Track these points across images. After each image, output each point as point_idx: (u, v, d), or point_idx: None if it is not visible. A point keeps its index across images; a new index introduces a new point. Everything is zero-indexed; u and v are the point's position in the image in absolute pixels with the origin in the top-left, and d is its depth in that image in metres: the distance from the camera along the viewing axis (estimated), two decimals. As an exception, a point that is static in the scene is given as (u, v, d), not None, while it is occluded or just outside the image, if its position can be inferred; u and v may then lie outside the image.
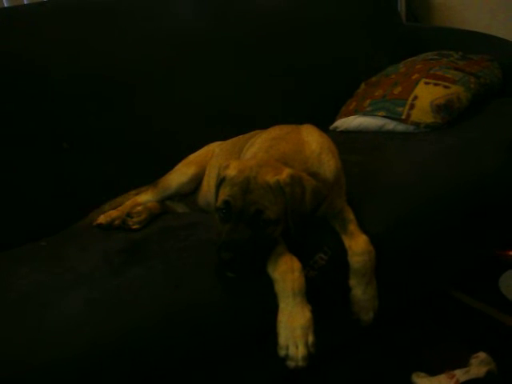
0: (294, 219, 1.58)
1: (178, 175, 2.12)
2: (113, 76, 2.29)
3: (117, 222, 1.97)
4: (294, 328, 1.48)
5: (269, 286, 1.54)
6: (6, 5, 2.90)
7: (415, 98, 2.49)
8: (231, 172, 1.59)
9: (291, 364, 1.49)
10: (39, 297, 1.54)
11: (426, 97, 2.47)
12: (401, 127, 2.49)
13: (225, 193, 1.57)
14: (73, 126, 2.19)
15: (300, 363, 1.48)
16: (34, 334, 1.42)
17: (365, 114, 2.61)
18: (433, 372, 1.90)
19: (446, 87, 2.49)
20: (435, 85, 2.51)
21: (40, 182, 2.11)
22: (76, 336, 1.42)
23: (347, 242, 1.72)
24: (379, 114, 2.55)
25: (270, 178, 1.55)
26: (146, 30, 2.44)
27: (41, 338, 1.41)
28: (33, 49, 2.17)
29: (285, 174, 1.56)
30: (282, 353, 1.49)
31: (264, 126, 1.97)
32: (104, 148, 2.23)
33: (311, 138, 1.78)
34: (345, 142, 2.28)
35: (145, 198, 2.09)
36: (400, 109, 2.49)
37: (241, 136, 2.09)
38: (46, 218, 2.10)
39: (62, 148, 2.15)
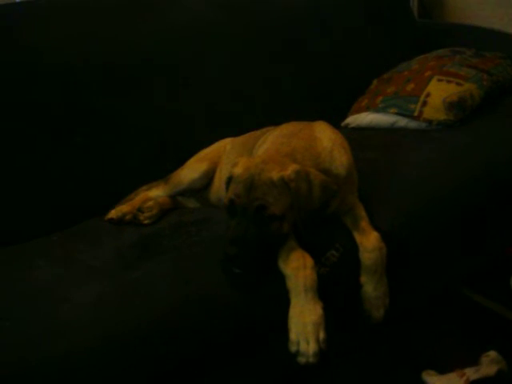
0: (302, 215, 1.57)
1: (190, 171, 2.12)
2: (125, 70, 2.29)
3: (128, 217, 1.97)
4: (305, 324, 1.48)
5: (280, 281, 1.54)
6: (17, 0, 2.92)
7: (428, 95, 2.47)
8: (238, 170, 1.60)
9: (302, 360, 1.49)
10: (52, 290, 1.55)
11: (439, 94, 2.45)
12: (413, 124, 2.48)
13: (231, 190, 1.59)
14: (86, 121, 2.19)
15: (311, 359, 1.48)
16: (48, 327, 1.43)
17: (377, 110, 2.60)
18: (443, 370, 1.90)
19: (458, 84, 2.48)
20: (448, 82, 2.50)
21: (51, 176, 2.12)
22: (89, 329, 1.43)
23: (358, 238, 1.71)
24: (391, 110, 2.54)
25: (275, 174, 1.56)
26: (159, 23, 2.44)
27: (54, 331, 1.42)
28: (47, 42, 2.17)
29: (290, 169, 1.56)
30: (293, 348, 1.49)
31: (276, 122, 1.97)
32: (117, 142, 2.23)
33: (323, 135, 1.78)
34: (356, 138, 2.27)
35: (156, 193, 2.10)
36: (412, 106, 2.48)
37: (253, 132, 2.09)
38: (58, 213, 2.10)
39: (75, 142, 2.15)
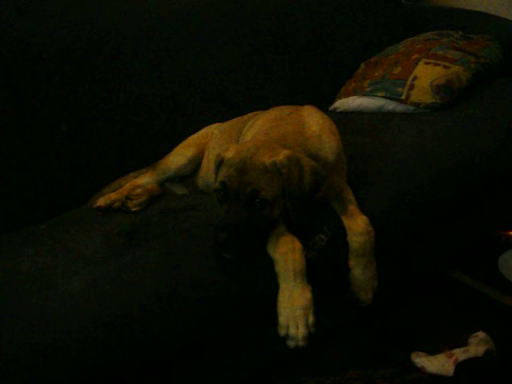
0: (292, 200, 1.58)
1: (178, 157, 2.11)
2: (111, 56, 2.27)
3: (116, 205, 1.96)
4: (294, 308, 1.49)
5: (269, 266, 1.55)
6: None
7: (415, 78, 2.48)
8: (229, 153, 1.60)
9: (291, 344, 1.50)
10: (42, 278, 1.54)
11: (426, 77, 2.46)
12: (401, 108, 2.48)
13: (222, 173, 1.58)
14: (71, 109, 2.17)
15: (300, 343, 1.50)
16: (39, 314, 1.43)
17: (364, 94, 2.60)
18: (432, 351, 1.91)
19: (445, 67, 2.48)
20: (435, 65, 2.50)
21: (39, 165, 2.10)
22: (78, 316, 1.43)
23: (347, 222, 1.72)
24: (379, 94, 2.54)
25: (267, 159, 1.55)
26: (145, 8, 2.42)
27: (45, 318, 1.42)
28: (27, 27, 2.13)
29: (282, 155, 1.56)
30: (283, 332, 1.50)
31: (264, 107, 1.97)
32: (103, 130, 2.22)
33: (312, 119, 1.78)
34: (344, 122, 2.27)
35: (144, 180, 2.09)
36: (400, 89, 2.48)
37: (240, 117, 2.09)
38: (46, 202, 2.09)
39: (60, 131, 2.14)
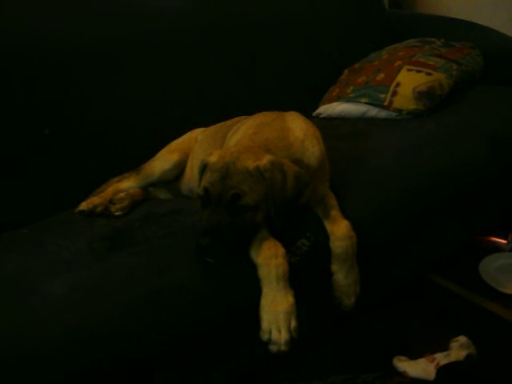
0: (275, 205, 1.58)
1: (161, 162, 2.11)
2: (94, 58, 2.25)
3: (99, 209, 1.96)
4: (277, 313, 1.50)
5: (252, 271, 1.55)
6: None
7: (398, 84, 2.50)
8: (213, 158, 1.60)
9: (274, 348, 1.51)
10: (24, 282, 1.53)
11: (409, 83, 2.48)
12: (383, 114, 2.50)
13: (206, 179, 1.59)
14: (54, 112, 2.15)
15: (282, 348, 1.50)
16: (20, 319, 1.42)
17: (348, 100, 2.61)
18: (414, 356, 1.92)
19: (428, 74, 2.51)
20: (417, 72, 2.52)
21: (21, 169, 2.09)
22: (61, 321, 1.43)
23: (329, 227, 1.72)
24: (362, 100, 2.56)
25: (250, 163, 1.56)
26: (132, 10, 2.43)
27: (26, 323, 1.41)
28: (7, 28, 2.12)
29: (265, 159, 1.57)
30: (265, 337, 1.50)
31: (248, 112, 1.97)
32: (86, 134, 2.21)
33: (295, 125, 1.79)
34: (328, 128, 2.28)
35: (127, 185, 2.08)
36: (382, 95, 2.50)
37: (224, 122, 2.09)
38: (28, 206, 2.08)
39: (43, 134, 2.12)
